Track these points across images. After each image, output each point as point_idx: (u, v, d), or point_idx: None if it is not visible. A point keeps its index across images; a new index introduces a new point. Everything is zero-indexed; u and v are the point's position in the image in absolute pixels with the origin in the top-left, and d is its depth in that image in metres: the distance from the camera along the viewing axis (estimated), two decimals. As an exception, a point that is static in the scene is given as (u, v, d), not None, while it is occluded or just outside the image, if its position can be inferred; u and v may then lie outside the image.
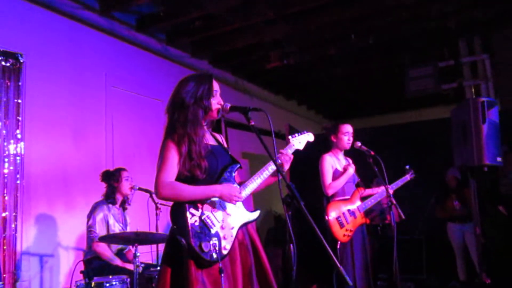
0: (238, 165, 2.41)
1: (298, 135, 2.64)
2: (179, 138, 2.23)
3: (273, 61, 6.78)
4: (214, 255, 2.15)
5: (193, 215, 2.19)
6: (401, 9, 5.55)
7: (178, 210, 2.19)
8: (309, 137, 2.67)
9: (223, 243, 2.22)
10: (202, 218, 2.21)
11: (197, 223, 2.18)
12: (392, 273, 3.61)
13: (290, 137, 2.60)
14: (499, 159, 3.86)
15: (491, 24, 6.04)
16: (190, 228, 2.14)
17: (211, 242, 2.16)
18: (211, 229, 2.21)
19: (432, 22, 5.83)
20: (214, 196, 2.24)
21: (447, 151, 4.40)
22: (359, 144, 3.91)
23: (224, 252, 2.20)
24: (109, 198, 3.95)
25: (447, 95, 6.99)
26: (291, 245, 1.98)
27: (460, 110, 3.98)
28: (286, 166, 2.42)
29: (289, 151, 2.50)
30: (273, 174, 2.43)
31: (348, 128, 4.00)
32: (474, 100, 3.84)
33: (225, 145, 2.52)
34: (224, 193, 2.24)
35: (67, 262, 4.49)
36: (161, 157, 2.24)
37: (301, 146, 2.62)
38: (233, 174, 2.39)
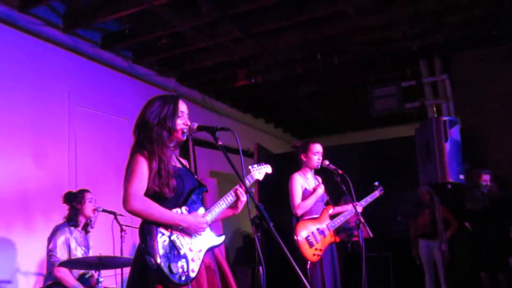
0: (205, 188, 2.40)
1: (258, 166, 2.70)
2: (149, 154, 2.21)
3: (241, 80, 6.81)
4: (183, 278, 2.10)
5: (162, 234, 2.14)
6: (366, 31, 5.71)
7: (148, 228, 2.13)
8: (268, 169, 2.75)
9: (191, 265, 2.17)
10: (172, 238, 2.16)
11: (166, 243, 2.13)
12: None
13: (250, 167, 2.66)
14: (462, 176, 3.97)
15: (450, 46, 6.29)
16: (159, 248, 2.09)
17: (180, 264, 2.11)
18: (180, 251, 2.17)
19: (395, 44, 6.01)
20: (181, 226, 2.19)
21: (412, 168, 4.49)
22: (327, 162, 3.94)
23: (192, 274, 2.16)
24: (71, 220, 3.79)
25: (410, 113, 7.18)
26: (260, 267, 1.94)
27: (424, 129, 4.08)
28: (240, 205, 2.43)
29: (248, 182, 2.56)
30: (231, 207, 2.44)
31: (318, 148, 4.03)
32: (436, 119, 3.94)
33: (191, 170, 2.50)
34: (191, 225, 2.21)
35: (26, 288, 4.27)
36: (130, 170, 2.19)
37: (260, 177, 2.69)
38: (200, 197, 2.37)
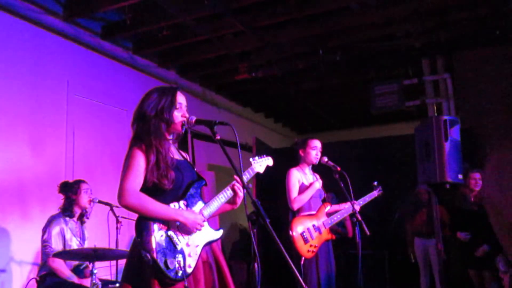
0: (204, 182, 2.37)
1: (259, 159, 2.66)
2: (147, 147, 2.18)
3: (242, 73, 6.77)
4: (179, 273, 2.08)
5: (160, 229, 2.12)
6: (368, 28, 5.67)
7: (144, 223, 2.11)
8: (269, 161, 2.70)
9: (188, 260, 2.14)
10: (168, 233, 2.14)
11: (163, 238, 2.11)
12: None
13: (251, 159, 2.62)
14: (460, 176, 3.95)
15: (453, 45, 6.26)
16: (155, 243, 2.06)
17: (176, 259, 2.09)
18: (177, 246, 2.14)
19: (398, 41, 5.98)
20: (177, 220, 2.15)
21: (411, 167, 4.47)
22: (325, 159, 3.91)
23: (189, 270, 2.13)
24: (66, 211, 3.77)
25: (410, 112, 7.16)
26: (255, 264, 1.93)
27: (424, 128, 4.05)
28: (238, 200, 2.40)
29: (249, 174, 2.54)
30: (230, 202, 2.41)
31: (316, 143, 4.00)
32: (436, 118, 3.92)
33: (191, 162, 2.47)
34: (188, 220, 2.17)
35: (21, 277, 4.26)
36: (126, 164, 2.17)
37: (261, 169, 2.65)
38: (199, 191, 2.34)
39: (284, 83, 7.60)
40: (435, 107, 6.67)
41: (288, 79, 7.44)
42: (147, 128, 2.22)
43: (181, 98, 2.32)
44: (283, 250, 1.84)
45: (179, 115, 2.29)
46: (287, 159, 4.20)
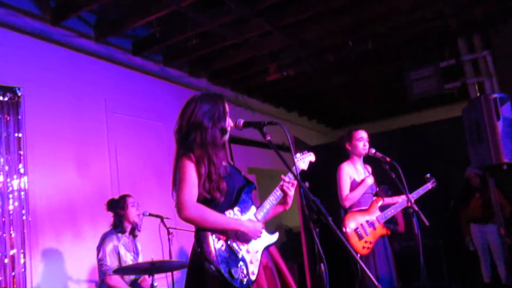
0: (253, 186, 2.33)
1: (301, 156, 2.61)
2: (198, 159, 2.13)
3: (272, 74, 6.71)
4: (245, 281, 2.04)
5: (219, 239, 2.08)
6: (398, 13, 5.50)
7: (203, 234, 2.07)
8: (311, 157, 2.66)
9: (251, 268, 2.10)
10: (228, 242, 2.10)
11: (223, 248, 2.07)
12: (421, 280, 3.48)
13: (294, 157, 2.55)
14: (516, 155, 3.76)
15: (489, 21, 5.99)
16: (217, 253, 2.03)
17: (240, 268, 2.06)
18: (238, 254, 2.10)
19: (430, 24, 5.78)
20: (239, 230, 2.12)
21: (458, 151, 4.29)
22: (373, 150, 3.79)
23: (253, 277, 2.09)
24: (118, 227, 3.81)
25: (450, 94, 6.89)
26: (322, 264, 1.86)
27: (472, 109, 3.89)
28: (289, 200, 2.35)
29: (295, 170, 2.46)
30: (281, 203, 2.37)
31: (361, 134, 3.87)
32: (486, 97, 3.75)
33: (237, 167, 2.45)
34: (249, 229, 2.14)
35: (79, 297, 4.34)
36: (179, 177, 2.12)
37: (305, 166, 2.61)
38: (250, 195, 2.30)
39: (316, 79, 7.48)
40: (476, 87, 6.39)
41: (319, 75, 7.31)
42: (203, 138, 2.18)
43: (227, 106, 2.33)
44: (349, 246, 1.78)
45: (229, 122, 2.28)
46: (326, 155, 4.09)
